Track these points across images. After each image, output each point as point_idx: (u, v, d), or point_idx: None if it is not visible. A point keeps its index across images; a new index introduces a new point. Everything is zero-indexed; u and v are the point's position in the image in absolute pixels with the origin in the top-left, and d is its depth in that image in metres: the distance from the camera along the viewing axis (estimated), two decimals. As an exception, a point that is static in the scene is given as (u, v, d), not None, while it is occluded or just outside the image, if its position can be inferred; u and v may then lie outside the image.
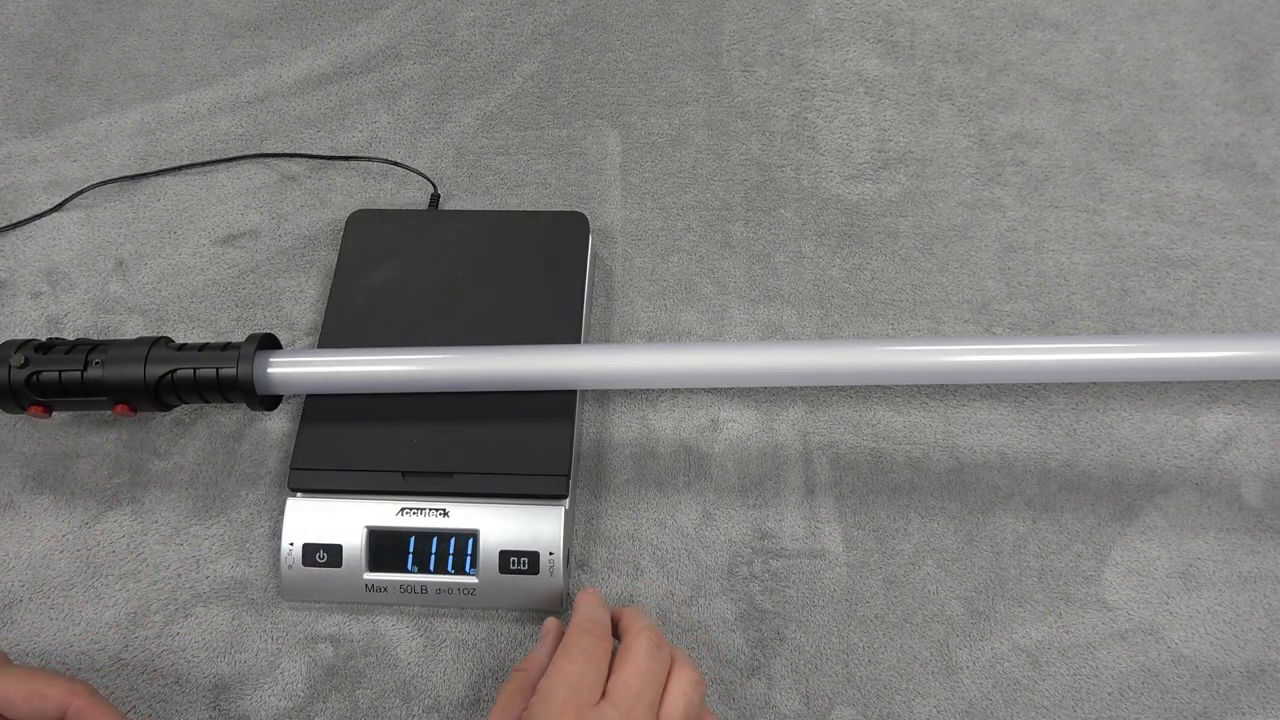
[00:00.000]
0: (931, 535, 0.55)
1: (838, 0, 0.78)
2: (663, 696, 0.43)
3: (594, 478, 0.57)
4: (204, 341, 0.56)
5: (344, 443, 0.54)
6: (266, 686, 0.51)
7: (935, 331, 0.62)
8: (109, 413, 0.56)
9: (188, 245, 0.66)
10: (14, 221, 0.67)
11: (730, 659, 0.52)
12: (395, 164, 0.69)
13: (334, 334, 0.58)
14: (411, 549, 0.52)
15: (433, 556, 0.52)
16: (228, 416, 0.60)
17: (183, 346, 0.53)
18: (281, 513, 0.53)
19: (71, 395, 0.52)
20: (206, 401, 0.53)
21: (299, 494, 0.53)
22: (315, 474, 0.53)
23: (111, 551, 0.55)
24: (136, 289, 0.65)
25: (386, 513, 0.52)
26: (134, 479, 0.58)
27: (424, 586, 0.52)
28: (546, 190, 0.68)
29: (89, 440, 0.59)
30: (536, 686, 0.44)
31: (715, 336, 0.62)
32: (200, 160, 0.70)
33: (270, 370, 0.53)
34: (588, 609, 0.47)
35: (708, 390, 0.60)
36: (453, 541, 0.52)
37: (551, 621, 0.49)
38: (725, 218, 0.67)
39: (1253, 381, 0.60)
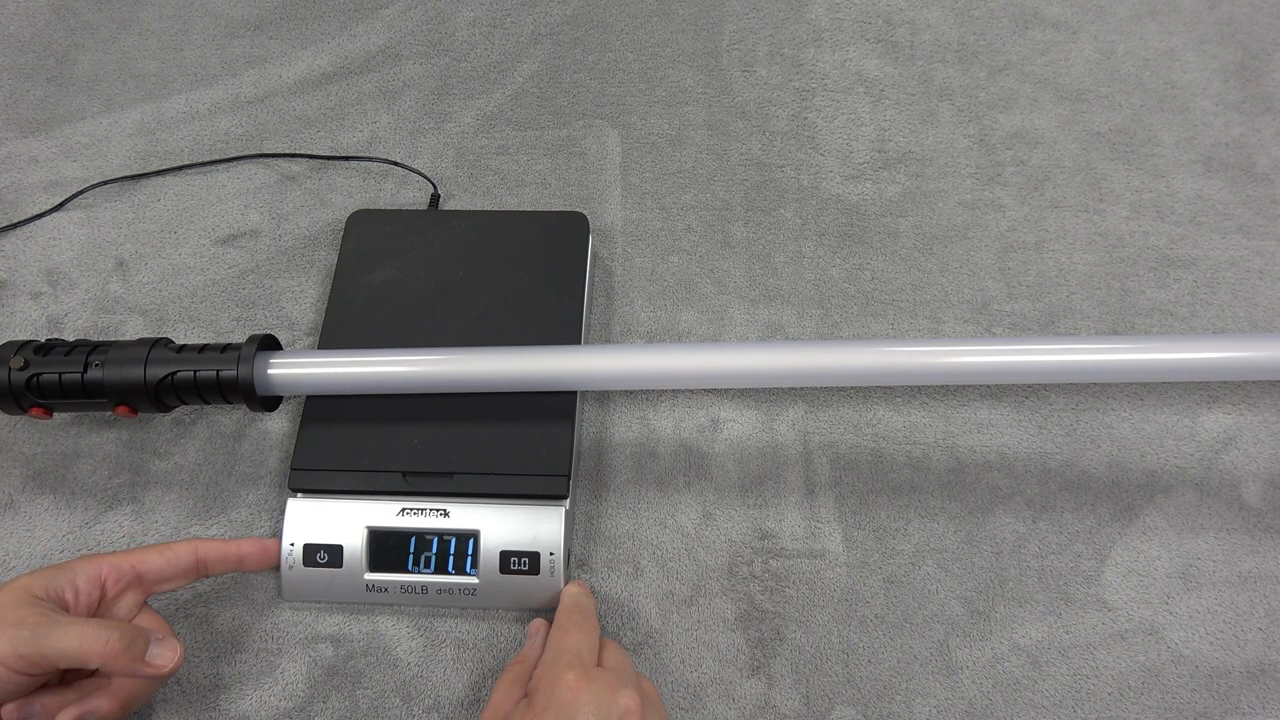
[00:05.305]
0: (931, 535, 0.55)
1: (838, 0, 0.78)
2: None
3: (594, 478, 0.57)
4: (204, 342, 0.56)
5: (344, 443, 0.54)
6: (266, 686, 0.51)
7: (935, 331, 0.62)
8: (110, 413, 0.56)
9: (188, 245, 0.66)
10: (14, 221, 0.67)
11: (730, 659, 0.52)
12: (395, 164, 0.69)
13: (334, 334, 0.58)
14: (412, 549, 0.52)
15: (433, 557, 0.52)
16: (228, 417, 0.60)
17: (183, 348, 0.53)
18: (282, 513, 0.53)
19: (72, 397, 0.52)
20: (207, 402, 0.53)
21: (299, 494, 0.53)
22: (316, 474, 0.53)
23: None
24: (136, 289, 0.65)
25: (387, 513, 0.52)
26: (134, 479, 0.58)
27: (424, 587, 0.52)
28: (546, 190, 0.68)
29: (89, 440, 0.59)
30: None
31: (715, 336, 0.62)
32: (200, 160, 0.70)
33: (270, 371, 0.53)
34: (572, 598, 0.50)
35: (708, 390, 0.60)
36: (453, 542, 0.52)
37: (538, 621, 0.51)
38: (725, 218, 0.67)
39: (1253, 381, 0.60)
